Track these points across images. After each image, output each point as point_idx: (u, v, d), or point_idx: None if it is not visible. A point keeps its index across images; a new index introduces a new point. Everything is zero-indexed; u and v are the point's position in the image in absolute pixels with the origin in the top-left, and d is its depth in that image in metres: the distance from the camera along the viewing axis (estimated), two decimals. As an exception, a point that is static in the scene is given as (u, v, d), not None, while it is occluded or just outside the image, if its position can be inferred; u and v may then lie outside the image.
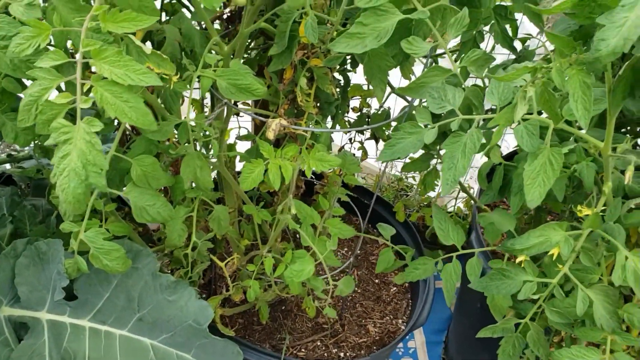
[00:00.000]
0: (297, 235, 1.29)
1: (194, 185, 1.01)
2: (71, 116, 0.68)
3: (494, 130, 0.84)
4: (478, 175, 0.97)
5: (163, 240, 1.14)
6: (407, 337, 1.96)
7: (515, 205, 0.83)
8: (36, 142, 1.11)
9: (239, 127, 1.33)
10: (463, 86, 0.78)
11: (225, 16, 1.22)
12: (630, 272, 0.70)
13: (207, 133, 0.98)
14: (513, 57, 1.16)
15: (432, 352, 1.93)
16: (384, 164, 1.34)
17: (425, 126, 0.77)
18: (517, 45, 1.13)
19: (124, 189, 0.91)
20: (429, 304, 1.44)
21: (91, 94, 0.68)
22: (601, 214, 0.78)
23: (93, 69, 0.71)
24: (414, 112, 0.92)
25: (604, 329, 0.75)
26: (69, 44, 0.80)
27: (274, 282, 1.20)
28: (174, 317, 0.99)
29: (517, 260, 0.80)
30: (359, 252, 1.69)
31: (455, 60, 0.84)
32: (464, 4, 0.99)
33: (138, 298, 1.01)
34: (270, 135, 0.98)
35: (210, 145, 1.03)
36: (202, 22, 1.08)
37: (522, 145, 0.68)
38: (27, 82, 0.86)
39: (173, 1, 1.11)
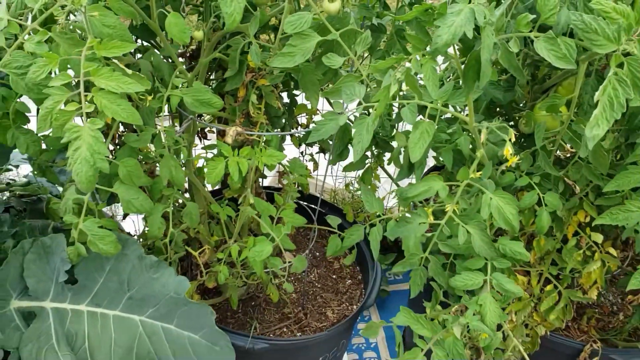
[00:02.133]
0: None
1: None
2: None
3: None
4: (392, 158, 1.23)
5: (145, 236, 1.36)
6: (369, 333, 2.18)
7: (418, 176, 1.09)
8: (36, 161, 1.34)
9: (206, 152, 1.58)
10: (368, 84, 1.06)
11: (187, 54, 1.49)
12: (494, 209, 0.96)
13: (178, 142, 1.22)
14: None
15: (392, 345, 2.15)
16: (328, 175, 1.59)
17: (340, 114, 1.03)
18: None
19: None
20: (376, 289, 1.67)
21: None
22: (480, 174, 1.04)
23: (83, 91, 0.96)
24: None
25: (484, 257, 1.00)
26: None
27: (241, 270, 1.42)
28: (158, 291, 1.21)
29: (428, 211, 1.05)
30: (317, 254, 1.92)
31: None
32: (373, 30, 1.28)
33: (127, 280, 1.22)
34: (229, 139, 1.24)
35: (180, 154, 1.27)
36: (169, 57, 1.34)
37: (407, 120, 0.94)
38: (31, 106, 1.11)
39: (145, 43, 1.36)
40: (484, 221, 0.97)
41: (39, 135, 1.11)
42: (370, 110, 0.98)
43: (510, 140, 0.92)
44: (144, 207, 1.16)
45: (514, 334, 1.29)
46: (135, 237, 1.49)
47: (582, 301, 1.54)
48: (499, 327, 1.07)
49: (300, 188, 1.56)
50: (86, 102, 0.91)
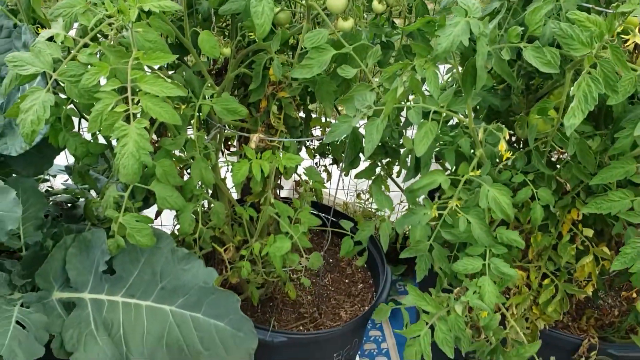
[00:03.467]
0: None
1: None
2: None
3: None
4: (400, 160, 1.35)
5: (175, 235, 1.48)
6: (380, 339, 2.28)
7: (424, 175, 1.22)
8: (76, 167, 1.48)
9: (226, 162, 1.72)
10: (378, 92, 1.19)
11: (213, 72, 1.63)
12: (491, 200, 1.07)
13: (207, 147, 1.35)
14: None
15: (402, 352, 2.24)
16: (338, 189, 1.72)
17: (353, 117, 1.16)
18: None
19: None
20: (387, 290, 1.77)
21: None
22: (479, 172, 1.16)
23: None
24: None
25: (483, 244, 1.11)
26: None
27: (262, 268, 1.54)
28: (188, 282, 1.32)
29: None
30: (331, 260, 2.04)
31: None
32: (382, 46, 1.41)
33: (160, 271, 1.34)
34: (252, 145, 1.37)
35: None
36: (199, 71, 1.48)
37: (412, 120, 1.07)
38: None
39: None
40: (482, 211, 1.09)
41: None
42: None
43: (504, 137, 1.05)
44: (178, 204, 1.28)
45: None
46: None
47: (580, 299, 1.64)
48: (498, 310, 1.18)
49: (314, 195, 1.68)
50: (133, 105, 1.04)
